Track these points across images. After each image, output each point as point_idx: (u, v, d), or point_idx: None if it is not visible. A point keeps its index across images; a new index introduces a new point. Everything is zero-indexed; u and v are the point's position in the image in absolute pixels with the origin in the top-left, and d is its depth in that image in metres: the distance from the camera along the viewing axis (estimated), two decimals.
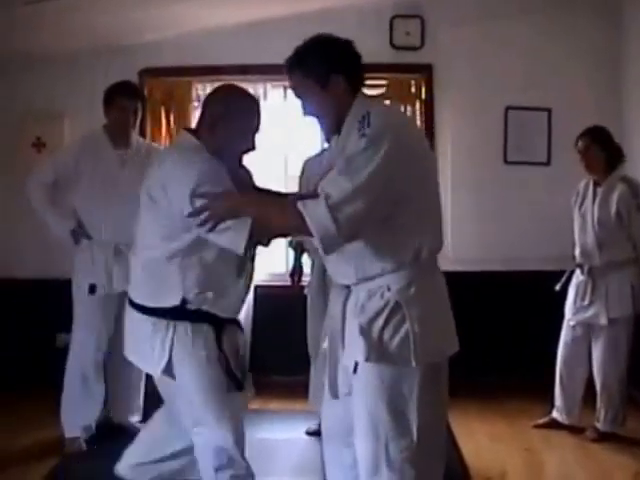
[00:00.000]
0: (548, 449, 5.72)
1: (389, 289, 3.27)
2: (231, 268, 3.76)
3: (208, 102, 3.88)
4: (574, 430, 5.97)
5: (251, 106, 3.84)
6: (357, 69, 3.48)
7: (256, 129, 3.82)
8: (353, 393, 3.39)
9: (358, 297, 3.35)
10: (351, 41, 3.47)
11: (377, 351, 3.25)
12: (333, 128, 3.44)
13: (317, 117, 3.48)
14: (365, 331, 3.26)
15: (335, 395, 3.52)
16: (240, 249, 3.51)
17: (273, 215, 3.40)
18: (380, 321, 3.26)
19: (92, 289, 5.65)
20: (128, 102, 5.70)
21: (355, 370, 3.31)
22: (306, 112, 3.50)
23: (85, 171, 5.65)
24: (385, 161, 3.11)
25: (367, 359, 3.25)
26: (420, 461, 3.32)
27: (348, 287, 3.42)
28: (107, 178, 5.68)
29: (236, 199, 3.51)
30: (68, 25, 6.29)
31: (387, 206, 3.19)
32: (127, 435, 5.91)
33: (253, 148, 3.84)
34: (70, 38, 6.59)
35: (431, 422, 3.35)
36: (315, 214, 3.12)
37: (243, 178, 3.89)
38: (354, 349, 3.31)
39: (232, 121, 3.75)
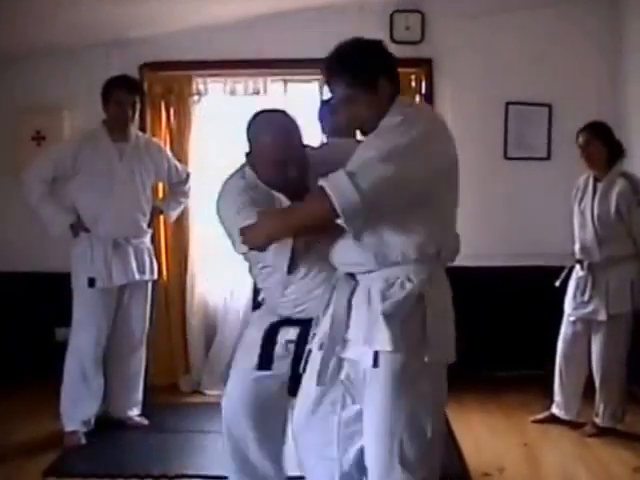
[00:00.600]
0: (547, 444, 5.73)
1: (409, 280, 3.25)
2: (279, 278, 3.79)
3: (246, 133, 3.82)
4: (573, 425, 5.98)
5: (272, 139, 3.66)
6: (396, 69, 3.47)
7: (283, 160, 3.61)
8: (367, 386, 3.32)
9: (371, 286, 3.30)
10: (382, 41, 3.47)
11: (401, 341, 3.21)
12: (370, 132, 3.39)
13: (359, 123, 3.44)
14: (390, 320, 3.21)
15: (322, 382, 3.46)
16: (283, 269, 3.59)
17: (301, 215, 3.37)
18: (403, 312, 3.22)
19: (91, 283, 5.67)
20: (126, 96, 5.71)
21: (376, 363, 3.24)
22: (345, 118, 3.46)
23: (84, 165, 5.67)
24: (416, 140, 3.14)
25: (395, 349, 3.19)
26: (431, 459, 3.33)
27: (354, 279, 3.39)
28: (106, 172, 5.71)
29: (261, 228, 3.41)
30: (69, 19, 6.28)
31: (414, 185, 3.18)
32: (126, 429, 5.96)
33: (293, 176, 3.63)
34: (70, 32, 6.59)
35: (439, 421, 3.37)
36: (336, 185, 3.09)
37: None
38: (374, 339, 3.24)
39: (258, 156, 3.72)
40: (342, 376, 3.44)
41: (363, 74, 3.32)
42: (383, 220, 3.24)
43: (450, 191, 3.37)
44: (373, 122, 3.32)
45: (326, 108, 4.97)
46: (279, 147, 3.62)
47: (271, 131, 3.68)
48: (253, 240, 3.40)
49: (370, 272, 3.33)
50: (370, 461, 3.36)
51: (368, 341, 3.27)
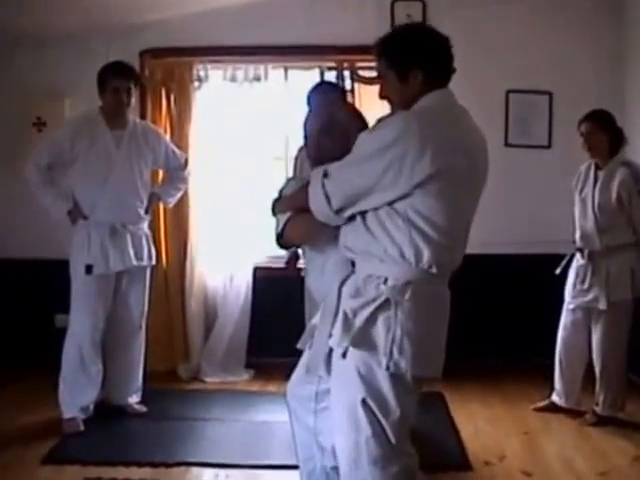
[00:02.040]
0: (547, 432, 5.74)
1: (386, 282, 3.24)
2: (314, 266, 3.87)
3: None
4: (573, 414, 5.99)
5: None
6: (442, 66, 3.43)
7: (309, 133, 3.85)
8: (334, 379, 3.39)
9: (357, 279, 3.34)
10: (446, 38, 3.44)
11: (351, 339, 3.23)
12: None
13: (390, 102, 3.53)
14: (348, 317, 3.26)
15: (313, 372, 3.54)
16: (275, 237, 3.73)
17: (302, 199, 3.46)
18: (366, 312, 3.23)
19: (88, 269, 5.68)
20: (120, 83, 5.68)
21: (345, 354, 3.28)
22: (381, 96, 3.53)
23: (81, 152, 5.67)
24: (387, 144, 3.15)
25: (339, 344, 3.26)
26: (400, 457, 3.32)
27: (352, 266, 3.43)
28: (103, 159, 5.71)
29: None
30: (70, 4, 6.29)
31: (383, 192, 3.19)
32: (125, 416, 5.96)
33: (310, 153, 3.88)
34: (72, 18, 6.59)
35: (402, 431, 3.34)
36: (312, 184, 3.34)
37: None
38: (335, 331, 3.32)
39: None
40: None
41: (397, 61, 3.38)
42: (367, 214, 3.30)
43: (440, 202, 3.22)
44: (400, 107, 3.42)
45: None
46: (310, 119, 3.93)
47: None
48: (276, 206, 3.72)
49: (356, 258, 3.39)
50: (340, 453, 3.39)
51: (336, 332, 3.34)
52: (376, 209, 3.25)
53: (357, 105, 7.03)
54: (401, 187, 3.16)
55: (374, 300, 3.23)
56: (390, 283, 3.23)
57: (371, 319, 3.22)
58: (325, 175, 3.28)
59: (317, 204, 3.32)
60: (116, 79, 5.67)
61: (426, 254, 3.22)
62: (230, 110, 7.21)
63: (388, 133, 3.18)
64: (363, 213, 3.29)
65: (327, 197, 3.26)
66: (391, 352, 3.18)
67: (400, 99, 3.41)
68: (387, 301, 3.21)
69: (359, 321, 3.23)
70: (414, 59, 3.36)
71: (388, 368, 3.18)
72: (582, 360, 5.97)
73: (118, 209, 5.75)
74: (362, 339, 3.22)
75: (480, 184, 3.45)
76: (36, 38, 6.92)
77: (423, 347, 3.24)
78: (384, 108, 7.29)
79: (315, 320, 3.65)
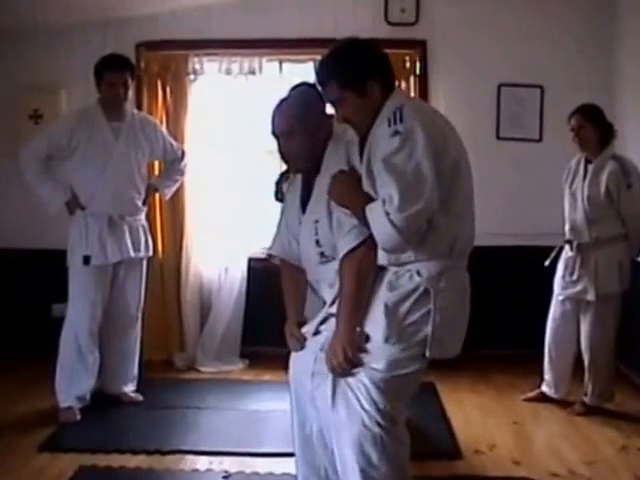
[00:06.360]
0: (536, 422, 5.80)
1: (419, 274, 3.33)
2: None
3: None
4: (562, 404, 6.05)
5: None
6: (388, 70, 3.49)
7: (274, 133, 3.92)
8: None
9: (381, 275, 3.44)
10: (377, 41, 3.52)
11: (397, 334, 3.32)
12: (367, 131, 3.45)
13: (352, 123, 3.50)
14: (390, 311, 3.33)
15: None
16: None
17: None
18: (407, 304, 3.32)
19: (86, 260, 5.72)
20: (116, 77, 5.71)
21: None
22: (339, 119, 3.52)
23: (79, 143, 5.71)
24: (424, 154, 3.18)
25: (386, 340, 3.32)
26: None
27: None
28: (101, 150, 5.74)
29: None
30: None
31: (440, 195, 3.24)
32: (121, 405, 6.00)
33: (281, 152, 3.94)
34: (67, 10, 6.60)
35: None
36: (376, 222, 3.23)
37: None
38: (373, 325, 3.38)
39: None
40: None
41: (351, 77, 3.37)
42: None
43: (463, 181, 3.43)
44: (364, 124, 3.43)
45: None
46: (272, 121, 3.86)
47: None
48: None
49: (383, 268, 3.44)
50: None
51: (369, 324, 3.41)
52: None
53: None
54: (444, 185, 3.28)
55: (414, 291, 3.33)
56: (425, 274, 3.33)
57: (411, 310, 3.32)
58: (386, 213, 3.18)
59: (388, 239, 3.23)
60: (111, 73, 5.70)
61: (457, 245, 3.38)
62: (225, 103, 7.25)
63: (412, 155, 3.20)
64: None
65: (400, 231, 3.17)
66: (432, 339, 3.32)
67: (364, 115, 3.42)
68: (426, 290, 3.31)
69: (401, 313, 3.33)
70: (367, 70, 3.38)
71: (421, 353, 3.35)
72: (571, 351, 6.03)
73: (116, 200, 5.79)
74: (403, 331, 3.33)
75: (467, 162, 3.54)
76: (32, 31, 6.94)
77: (457, 331, 3.50)
78: None
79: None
